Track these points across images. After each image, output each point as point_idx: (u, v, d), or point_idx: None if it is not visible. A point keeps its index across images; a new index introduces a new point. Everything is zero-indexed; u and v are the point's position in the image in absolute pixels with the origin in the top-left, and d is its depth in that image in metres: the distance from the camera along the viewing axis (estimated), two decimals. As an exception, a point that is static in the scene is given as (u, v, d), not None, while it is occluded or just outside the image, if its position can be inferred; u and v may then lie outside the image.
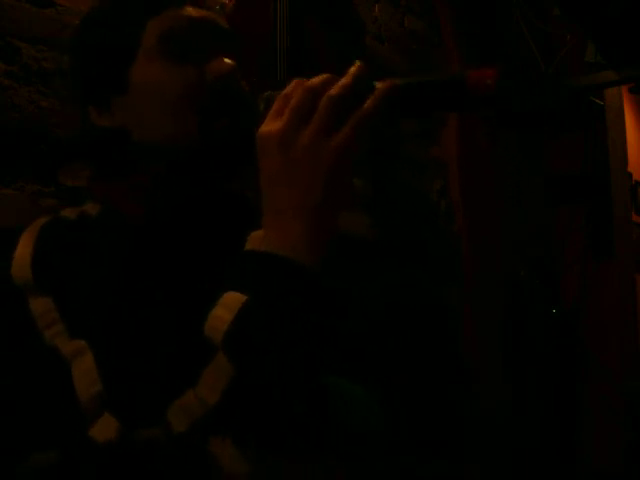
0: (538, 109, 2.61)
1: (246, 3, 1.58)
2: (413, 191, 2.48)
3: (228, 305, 0.63)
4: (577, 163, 2.94)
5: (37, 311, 0.68)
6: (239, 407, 0.61)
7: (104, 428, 0.61)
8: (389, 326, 0.93)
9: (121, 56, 0.82)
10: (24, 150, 1.39)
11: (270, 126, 0.67)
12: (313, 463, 0.64)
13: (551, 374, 2.71)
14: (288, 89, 0.69)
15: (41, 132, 1.41)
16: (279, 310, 0.63)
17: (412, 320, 2.35)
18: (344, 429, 0.72)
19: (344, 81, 0.67)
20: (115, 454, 0.61)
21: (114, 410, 0.62)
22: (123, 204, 0.81)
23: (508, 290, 2.75)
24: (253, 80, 0.85)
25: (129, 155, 0.82)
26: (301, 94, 0.67)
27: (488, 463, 2.39)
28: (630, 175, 2.80)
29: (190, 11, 0.84)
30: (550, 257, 2.99)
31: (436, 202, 2.58)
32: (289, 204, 0.66)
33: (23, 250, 0.72)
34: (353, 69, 0.69)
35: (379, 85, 0.68)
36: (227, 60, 0.82)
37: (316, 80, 0.68)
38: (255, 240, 0.67)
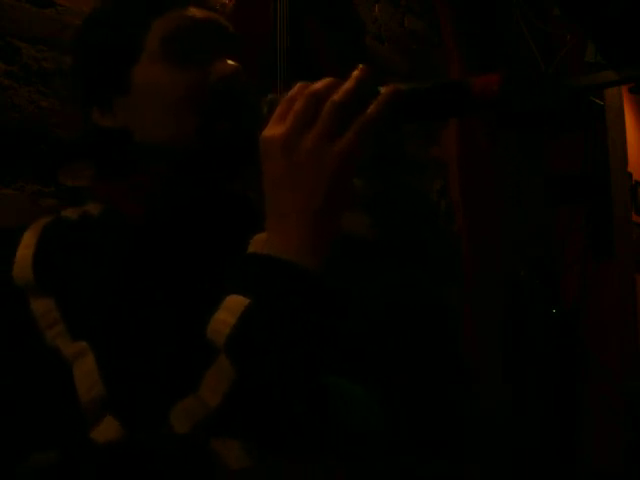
0: (538, 109, 2.61)
1: (246, 3, 1.58)
2: (413, 191, 2.48)
3: (231, 308, 0.64)
4: (577, 163, 2.94)
5: (38, 311, 0.68)
6: (240, 409, 0.61)
7: (106, 430, 0.61)
8: (389, 326, 0.93)
9: (124, 57, 0.82)
10: (24, 150, 1.39)
11: (273, 130, 0.67)
12: (313, 463, 0.64)
13: (551, 374, 2.71)
14: (292, 93, 0.69)
15: (41, 132, 1.41)
16: (281, 313, 0.63)
17: (412, 320, 2.35)
18: (344, 429, 0.72)
19: (347, 85, 0.67)
20: (116, 454, 0.61)
21: (116, 412, 0.62)
22: (124, 204, 0.81)
23: (508, 290, 2.75)
24: (253, 80, 0.85)
25: (131, 155, 0.82)
26: (304, 98, 0.67)
27: (488, 463, 2.39)
28: (630, 175, 2.80)
29: (194, 12, 0.83)
30: (550, 257, 2.99)
31: (436, 202, 2.58)
32: (292, 208, 0.66)
33: (25, 250, 0.72)
34: (356, 72, 0.69)
35: (383, 90, 0.68)
36: (230, 62, 0.82)
37: (320, 84, 0.68)
38: (258, 243, 0.67)
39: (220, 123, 0.79)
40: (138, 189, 0.81)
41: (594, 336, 2.82)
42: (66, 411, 0.63)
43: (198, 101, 0.80)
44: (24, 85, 1.40)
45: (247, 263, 0.67)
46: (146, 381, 0.63)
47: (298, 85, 0.69)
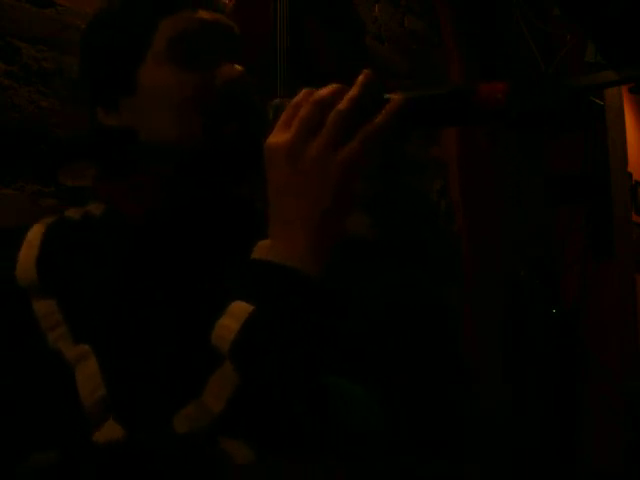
0: (538, 109, 2.61)
1: (246, 3, 1.58)
2: (413, 191, 2.48)
3: (235, 314, 0.64)
4: (577, 163, 2.94)
5: (40, 313, 0.67)
6: (243, 412, 0.61)
7: (108, 433, 0.61)
8: (389, 326, 0.93)
9: (130, 56, 0.82)
10: (24, 150, 1.38)
11: (278, 137, 0.68)
12: (313, 463, 0.64)
13: (551, 374, 2.71)
14: (297, 99, 0.69)
15: (41, 132, 1.41)
16: (285, 320, 0.64)
17: (412, 320, 2.35)
18: (344, 429, 0.72)
19: (353, 93, 0.68)
20: (116, 453, 0.61)
21: (118, 416, 0.61)
22: (126, 204, 0.81)
23: (508, 290, 2.75)
24: (255, 81, 0.85)
25: (135, 155, 0.82)
26: (310, 105, 0.68)
27: (488, 463, 2.39)
28: (630, 175, 2.80)
29: (202, 14, 0.83)
30: (550, 257, 2.99)
31: (436, 202, 2.58)
32: (296, 215, 0.66)
33: (28, 251, 0.72)
34: (362, 78, 0.69)
35: (390, 96, 0.68)
36: (237, 66, 0.82)
37: (325, 91, 0.68)
38: (262, 249, 0.67)
39: (225, 126, 0.79)
40: (141, 189, 0.81)
41: (594, 336, 2.82)
42: (68, 414, 0.63)
43: (203, 103, 0.80)
44: (24, 85, 1.40)
45: (251, 269, 0.67)
46: (149, 385, 0.63)
47: (303, 91, 0.70)
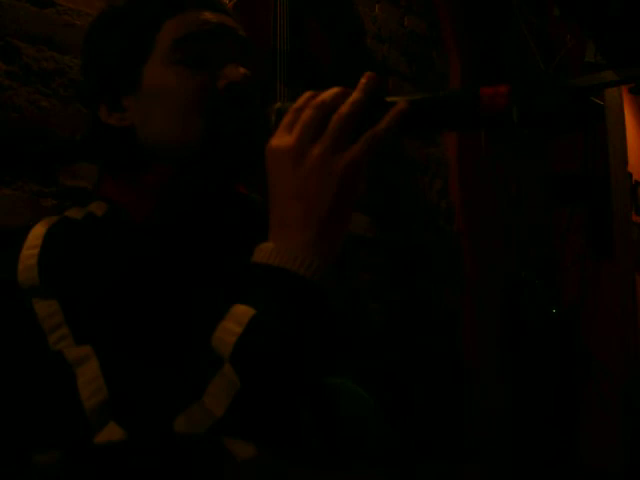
0: (538, 109, 2.61)
1: (246, 4, 1.58)
2: (413, 191, 2.48)
3: (237, 318, 0.64)
4: (577, 163, 2.94)
5: (42, 314, 0.67)
6: (245, 415, 0.61)
7: (109, 436, 0.61)
8: (389, 327, 0.93)
9: (134, 56, 0.82)
10: (24, 150, 1.38)
11: (280, 140, 0.68)
12: (319, 465, 0.64)
13: (551, 374, 2.71)
14: (299, 102, 0.69)
15: (41, 132, 1.41)
16: (287, 324, 0.64)
17: (412, 321, 2.35)
18: (346, 428, 0.73)
19: (355, 96, 0.68)
20: (117, 453, 0.60)
21: (120, 418, 0.61)
22: (130, 203, 0.81)
23: (508, 290, 2.75)
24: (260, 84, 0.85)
25: (137, 154, 0.82)
26: (312, 109, 0.68)
27: (488, 463, 2.39)
28: (630, 175, 2.80)
29: (208, 16, 0.83)
30: (550, 257, 2.99)
31: (436, 202, 2.58)
32: (298, 218, 0.67)
33: (30, 251, 0.71)
34: (364, 82, 0.69)
35: (393, 100, 0.68)
36: (241, 69, 0.82)
37: (327, 94, 0.69)
38: (263, 252, 0.68)
39: (227, 127, 0.79)
40: (145, 189, 0.81)
41: (594, 336, 2.82)
42: (68, 416, 0.63)
43: (206, 104, 0.80)
44: (24, 85, 1.40)
45: (252, 272, 0.67)
46: (151, 387, 0.63)
47: (306, 94, 0.70)
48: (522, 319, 2.71)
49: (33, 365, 0.66)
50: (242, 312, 0.64)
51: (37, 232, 0.73)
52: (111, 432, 0.60)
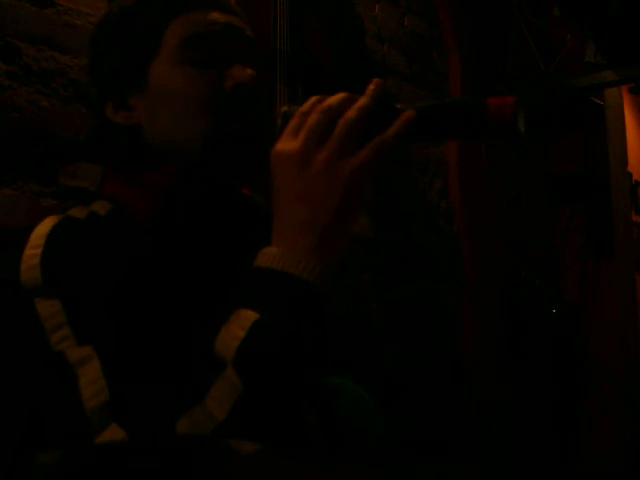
0: (539, 109, 2.61)
1: (246, 3, 1.58)
2: (413, 191, 2.48)
3: (240, 322, 0.64)
4: (577, 163, 2.94)
5: (44, 314, 0.67)
6: (247, 418, 0.61)
7: (111, 438, 0.60)
8: (389, 327, 0.93)
9: (141, 54, 0.82)
10: (24, 150, 1.38)
11: (286, 144, 0.68)
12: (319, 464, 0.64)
13: (551, 374, 2.71)
14: (306, 107, 0.69)
15: (41, 132, 1.41)
16: (290, 329, 0.64)
17: (412, 321, 2.35)
18: (347, 428, 0.73)
19: (362, 102, 0.68)
20: (118, 453, 0.60)
21: (121, 421, 0.61)
22: (134, 202, 0.80)
23: (508, 290, 2.75)
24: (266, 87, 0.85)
25: (144, 153, 0.82)
26: (319, 113, 0.68)
27: (488, 463, 2.39)
28: (630, 175, 2.80)
29: (215, 16, 0.83)
30: (550, 257, 2.99)
31: (436, 202, 2.58)
32: (302, 222, 0.67)
33: (32, 250, 0.71)
34: (372, 88, 0.69)
35: (401, 107, 0.68)
36: (249, 69, 0.82)
37: (334, 99, 0.69)
38: (267, 256, 0.68)
39: (234, 128, 0.79)
40: (150, 188, 0.81)
41: (594, 336, 2.82)
42: (70, 416, 0.63)
43: (213, 104, 0.80)
44: (24, 85, 1.40)
45: (256, 276, 0.67)
46: (152, 389, 0.63)
47: (312, 99, 0.70)
48: (522, 319, 2.71)
49: (35, 365, 0.66)
50: (245, 316, 0.64)
51: (40, 231, 0.73)
52: (112, 433, 0.60)
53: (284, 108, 0.73)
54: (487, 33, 2.81)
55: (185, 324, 0.71)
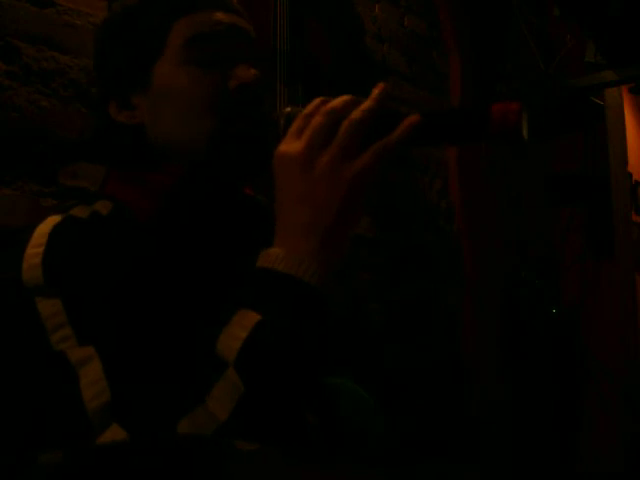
0: (539, 109, 2.61)
1: (246, 3, 1.58)
2: (413, 191, 2.48)
3: (242, 323, 0.64)
4: (577, 163, 2.94)
5: (45, 313, 0.67)
6: (248, 419, 0.61)
7: (112, 438, 0.60)
8: (389, 327, 0.93)
9: (146, 53, 0.82)
10: (24, 150, 1.38)
11: (290, 146, 0.68)
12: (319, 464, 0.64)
13: (551, 374, 2.71)
14: (309, 109, 0.70)
15: (41, 132, 1.41)
16: (291, 330, 0.64)
17: (412, 321, 2.35)
18: (348, 428, 0.73)
19: (367, 105, 0.68)
20: (119, 453, 0.60)
21: (122, 421, 0.61)
22: (136, 203, 0.80)
23: (508, 290, 2.75)
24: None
25: (147, 153, 0.82)
26: (322, 115, 0.68)
27: (488, 463, 2.39)
28: (630, 175, 2.80)
29: (219, 16, 0.83)
30: (550, 257, 2.99)
31: (436, 202, 2.58)
32: (304, 224, 0.67)
33: (34, 250, 0.71)
34: (377, 92, 0.69)
35: (405, 112, 0.68)
36: (252, 70, 0.82)
37: (338, 102, 0.69)
38: (269, 257, 0.68)
39: (237, 128, 0.79)
40: (153, 188, 0.81)
41: (594, 336, 2.82)
42: (72, 417, 0.63)
43: (217, 104, 0.80)
44: (24, 85, 1.40)
45: (258, 277, 0.68)
46: (154, 390, 0.63)
47: (316, 101, 0.70)
48: (522, 319, 2.71)
49: (36, 365, 0.66)
50: (247, 317, 0.64)
51: (42, 230, 0.72)
52: (113, 434, 0.60)
53: (287, 109, 0.73)
54: (487, 33, 2.81)
55: (187, 324, 0.71)
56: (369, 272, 2.18)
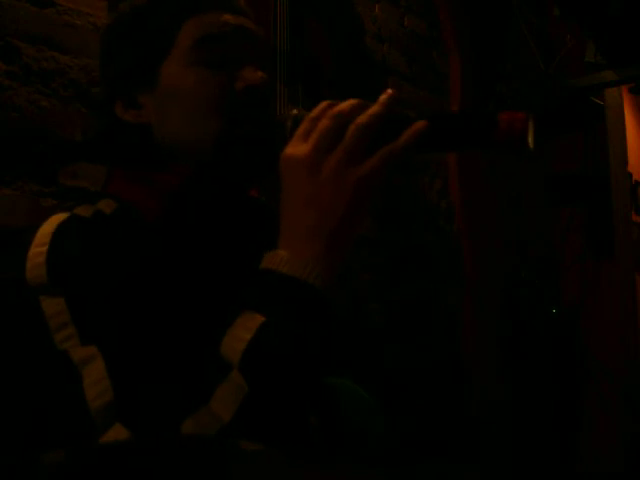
0: (538, 109, 2.61)
1: (246, 3, 1.58)
2: (413, 191, 2.48)
3: (246, 325, 0.64)
4: (577, 163, 2.94)
5: (49, 312, 0.67)
6: (252, 420, 0.62)
7: (115, 438, 0.60)
8: (389, 327, 0.93)
9: (153, 53, 0.82)
10: (24, 150, 1.38)
11: (296, 149, 0.69)
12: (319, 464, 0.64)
13: (551, 374, 2.71)
14: (316, 112, 0.70)
15: (41, 132, 1.41)
16: (296, 333, 0.65)
17: (412, 321, 2.35)
18: (348, 428, 0.73)
19: (374, 110, 0.68)
20: (122, 453, 0.60)
21: (125, 421, 0.61)
22: (141, 202, 0.80)
23: (508, 290, 2.75)
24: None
25: (154, 153, 0.82)
26: (329, 119, 0.68)
27: (488, 463, 2.39)
28: (630, 175, 2.80)
29: (228, 17, 0.83)
30: (550, 257, 2.99)
31: (436, 202, 2.58)
32: (309, 227, 0.67)
33: (38, 249, 0.71)
34: (385, 97, 0.69)
35: (412, 117, 0.68)
36: (259, 72, 0.82)
37: (345, 105, 0.69)
38: (274, 259, 0.68)
39: (244, 129, 0.79)
40: (158, 187, 0.81)
41: (594, 336, 2.82)
42: (75, 416, 0.63)
43: (224, 105, 0.80)
44: (24, 85, 1.40)
45: (263, 279, 0.68)
46: (157, 390, 0.63)
47: (323, 104, 0.70)
48: (522, 319, 2.71)
49: (40, 364, 0.66)
50: (251, 319, 0.65)
51: (46, 230, 0.72)
52: (116, 433, 0.60)
53: (294, 111, 0.73)
54: (487, 33, 2.81)
55: (191, 325, 0.71)
56: (369, 272, 2.18)
